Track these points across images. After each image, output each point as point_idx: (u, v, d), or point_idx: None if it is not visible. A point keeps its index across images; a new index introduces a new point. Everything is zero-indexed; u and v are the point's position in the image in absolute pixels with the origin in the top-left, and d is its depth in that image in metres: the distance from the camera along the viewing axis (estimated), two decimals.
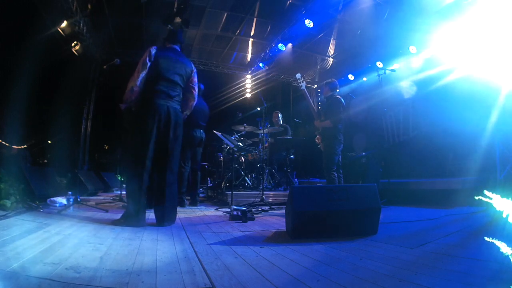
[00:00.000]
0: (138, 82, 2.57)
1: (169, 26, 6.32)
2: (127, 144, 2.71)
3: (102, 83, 7.07)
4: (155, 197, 2.67)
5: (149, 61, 2.63)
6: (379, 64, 6.58)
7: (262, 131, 5.13)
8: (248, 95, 9.64)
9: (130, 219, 2.47)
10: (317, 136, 4.16)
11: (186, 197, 4.53)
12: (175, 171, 2.73)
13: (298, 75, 4.21)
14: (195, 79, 2.95)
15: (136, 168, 2.54)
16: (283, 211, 2.72)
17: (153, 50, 2.67)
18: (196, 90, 2.97)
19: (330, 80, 4.22)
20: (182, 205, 4.34)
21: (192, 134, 4.40)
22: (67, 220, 2.54)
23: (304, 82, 4.18)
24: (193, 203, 4.45)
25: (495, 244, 1.07)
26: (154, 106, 2.59)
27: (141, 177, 2.50)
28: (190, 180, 4.54)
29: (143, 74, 2.60)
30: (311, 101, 4.15)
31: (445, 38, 5.28)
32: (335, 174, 3.88)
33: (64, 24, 5.83)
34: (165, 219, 2.60)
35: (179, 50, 2.95)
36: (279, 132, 5.67)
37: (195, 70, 2.95)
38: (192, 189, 4.55)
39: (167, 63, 2.71)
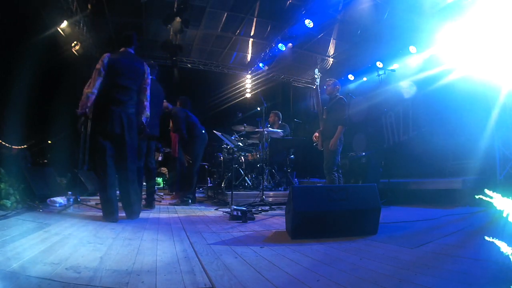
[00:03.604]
0: (94, 89, 2.74)
1: (169, 26, 6.32)
2: (92, 147, 2.93)
3: None
4: (121, 194, 2.91)
5: (103, 69, 2.78)
6: (379, 64, 6.58)
7: (262, 130, 5.13)
8: (248, 95, 9.61)
9: (106, 215, 2.69)
10: (315, 134, 4.16)
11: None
12: (134, 170, 2.96)
13: (316, 70, 4.26)
14: (148, 80, 3.09)
15: (99, 169, 2.77)
16: (283, 211, 2.73)
17: (106, 59, 2.81)
18: (149, 91, 3.10)
19: (333, 79, 4.23)
20: (186, 204, 4.41)
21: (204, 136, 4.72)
22: (67, 220, 2.54)
23: (319, 78, 4.20)
24: (193, 200, 4.73)
25: (495, 244, 1.07)
26: (108, 112, 2.77)
27: (105, 174, 2.72)
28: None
29: (98, 81, 2.76)
30: (320, 99, 4.17)
31: (445, 38, 5.28)
32: (336, 174, 3.88)
33: (64, 24, 5.81)
34: (133, 212, 2.89)
35: (133, 52, 3.08)
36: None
37: (148, 72, 3.09)
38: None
39: (119, 69, 2.87)
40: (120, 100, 2.83)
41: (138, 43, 3.17)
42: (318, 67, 4.73)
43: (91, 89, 2.72)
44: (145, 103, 3.06)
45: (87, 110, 2.75)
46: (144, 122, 3.05)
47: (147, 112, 3.07)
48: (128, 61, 2.96)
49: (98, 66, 2.78)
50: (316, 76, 4.20)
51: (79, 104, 2.74)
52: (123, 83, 2.86)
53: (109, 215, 2.66)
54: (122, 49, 3.05)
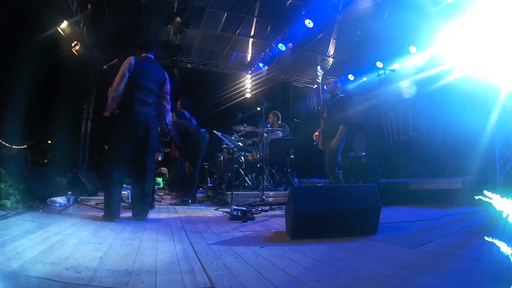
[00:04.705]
0: (118, 92, 2.79)
1: (169, 26, 6.33)
2: (108, 145, 2.94)
3: (102, 83, 7.05)
4: (135, 194, 2.90)
5: (128, 72, 2.83)
6: (379, 64, 6.57)
7: (262, 130, 5.13)
8: (248, 95, 9.61)
9: (107, 215, 2.68)
10: (316, 133, 4.15)
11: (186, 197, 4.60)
12: (153, 170, 3.03)
13: (318, 68, 4.27)
14: (168, 86, 3.16)
15: (110, 166, 2.76)
16: (283, 211, 2.73)
17: (133, 61, 2.88)
18: (169, 96, 3.18)
19: (333, 77, 4.23)
20: (186, 204, 4.43)
21: (204, 135, 4.68)
22: (67, 220, 2.54)
23: (321, 75, 4.21)
24: (193, 199, 4.72)
25: (495, 244, 1.07)
26: (133, 112, 2.82)
27: (114, 173, 2.74)
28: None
29: (122, 84, 2.80)
30: (321, 98, 4.17)
31: (445, 38, 5.27)
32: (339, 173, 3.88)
33: (64, 24, 5.82)
34: (144, 213, 2.88)
35: (153, 58, 3.15)
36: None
37: (168, 78, 3.16)
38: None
39: (144, 73, 2.93)
40: (145, 101, 2.88)
41: (157, 48, 3.25)
42: (320, 64, 4.74)
43: (116, 92, 2.77)
44: (167, 106, 3.13)
45: (114, 112, 2.82)
46: (169, 124, 3.14)
47: (170, 116, 3.16)
48: (151, 67, 3.02)
49: (123, 68, 2.82)
50: (318, 73, 4.21)
51: (106, 107, 2.81)
52: (147, 85, 2.92)
53: (110, 215, 2.66)
54: (143, 54, 3.08)
